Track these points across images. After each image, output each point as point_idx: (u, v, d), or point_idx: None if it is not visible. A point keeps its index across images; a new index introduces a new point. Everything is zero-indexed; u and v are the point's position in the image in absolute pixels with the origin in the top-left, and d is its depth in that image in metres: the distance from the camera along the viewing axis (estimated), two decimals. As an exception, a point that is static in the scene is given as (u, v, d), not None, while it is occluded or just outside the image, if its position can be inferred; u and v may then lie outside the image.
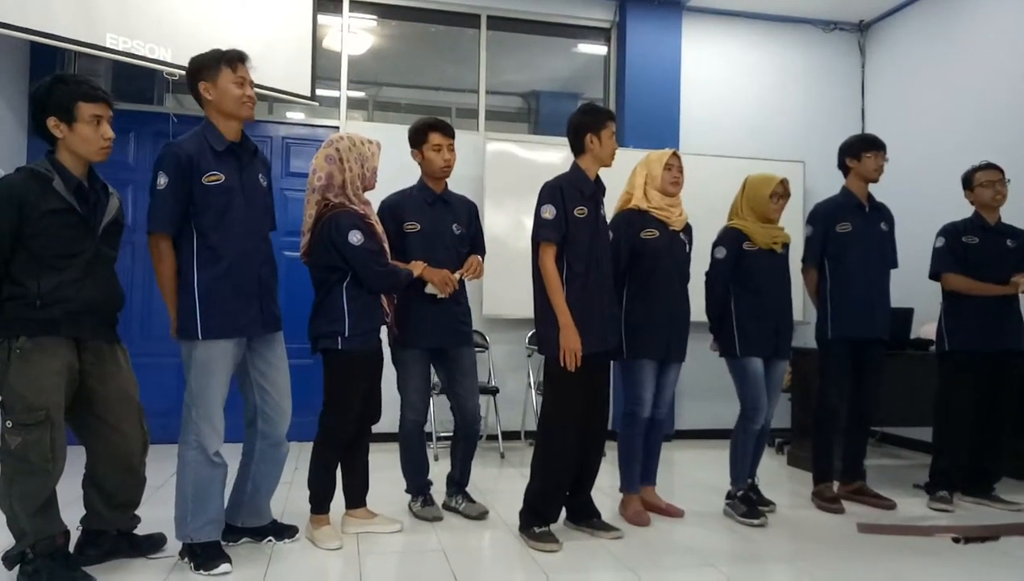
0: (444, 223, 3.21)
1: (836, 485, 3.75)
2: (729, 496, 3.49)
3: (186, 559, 2.61)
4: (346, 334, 2.79)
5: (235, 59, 2.60)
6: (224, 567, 2.55)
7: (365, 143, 2.89)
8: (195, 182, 2.52)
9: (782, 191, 3.48)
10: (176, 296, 2.56)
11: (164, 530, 2.77)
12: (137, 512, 2.72)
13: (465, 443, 3.33)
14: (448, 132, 3.22)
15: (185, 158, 2.51)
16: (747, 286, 3.47)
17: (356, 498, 3.05)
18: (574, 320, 2.90)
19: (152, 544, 2.74)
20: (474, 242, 3.36)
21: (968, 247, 3.79)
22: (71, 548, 2.53)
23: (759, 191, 3.48)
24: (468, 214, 3.34)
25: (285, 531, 2.91)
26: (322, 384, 5.03)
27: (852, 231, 3.66)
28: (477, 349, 3.74)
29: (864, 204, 3.72)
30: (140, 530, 2.74)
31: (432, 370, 3.34)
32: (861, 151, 3.70)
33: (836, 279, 3.70)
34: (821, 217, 3.75)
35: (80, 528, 2.62)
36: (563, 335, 2.89)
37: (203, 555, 2.57)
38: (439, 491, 3.43)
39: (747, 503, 3.41)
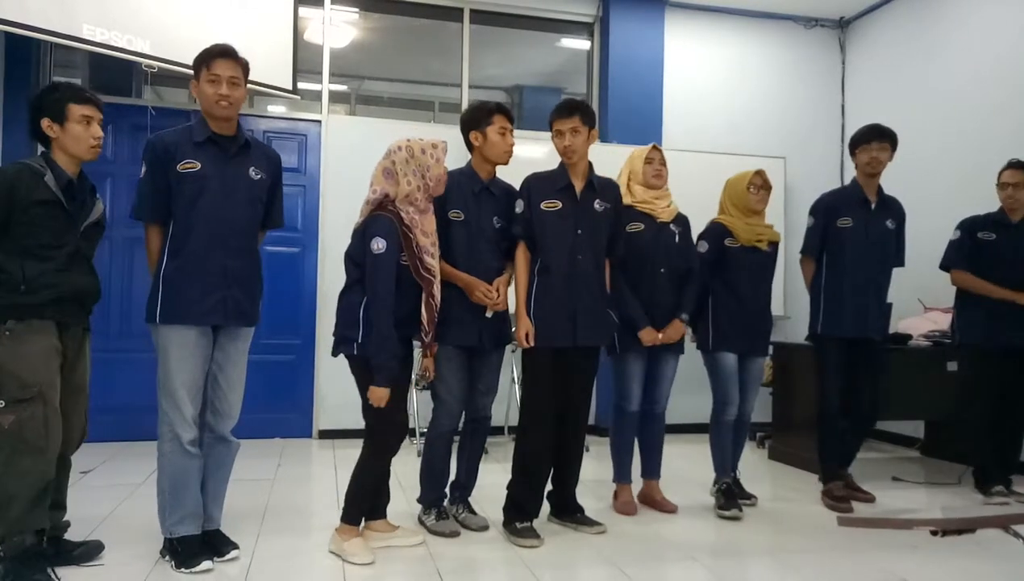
0: (487, 216, 3.07)
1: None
2: (715, 489, 3.53)
3: (167, 557, 2.57)
4: (359, 340, 2.69)
5: (209, 56, 2.59)
6: (205, 564, 2.53)
7: (427, 151, 2.75)
8: (171, 170, 2.56)
9: (760, 182, 3.50)
10: None
11: (139, 527, 2.73)
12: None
13: (473, 439, 3.19)
14: (511, 118, 3.11)
15: (161, 148, 2.57)
16: (726, 282, 3.49)
17: (376, 510, 2.90)
18: (539, 312, 2.97)
19: (86, 552, 2.62)
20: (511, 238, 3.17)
21: (983, 244, 3.79)
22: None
23: (737, 187, 3.53)
24: (510, 206, 3.14)
25: (225, 545, 2.70)
26: (302, 381, 5.06)
27: (852, 226, 3.63)
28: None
29: (869, 199, 3.67)
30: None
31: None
32: (854, 146, 3.70)
33: (831, 274, 3.68)
34: (822, 209, 3.73)
35: None
36: (516, 320, 3.00)
37: (183, 552, 2.54)
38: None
39: (726, 495, 3.44)
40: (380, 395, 2.65)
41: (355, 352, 2.69)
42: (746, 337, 3.50)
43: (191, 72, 2.68)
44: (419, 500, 3.16)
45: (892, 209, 3.73)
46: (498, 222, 3.10)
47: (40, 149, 2.63)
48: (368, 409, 2.74)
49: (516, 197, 3.16)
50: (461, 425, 3.21)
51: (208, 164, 2.58)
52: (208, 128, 2.61)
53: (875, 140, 3.64)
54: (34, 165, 2.49)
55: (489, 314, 3.03)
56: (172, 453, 2.55)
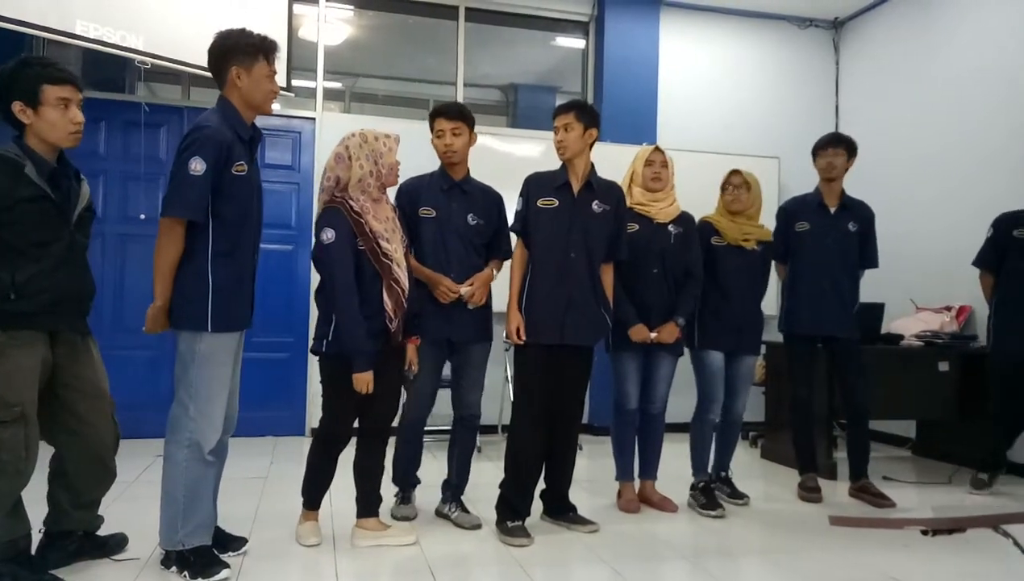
0: (459, 212, 3.11)
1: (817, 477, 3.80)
2: (692, 487, 3.54)
3: (174, 568, 2.45)
4: (330, 338, 2.70)
5: (272, 51, 2.51)
6: (224, 572, 2.45)
7: (380, 138, 2.76)
8: (226, 170, 2.40)
9: (738, 181, 3.51)
10: (172, 282, 2.40)
11: (131, 529, 2.71)
12: (102, 511, 2.64)
13: (461, 437, 3.23)
14: (451, 115, 3.11)
15: (225, 146, 2.39)
16: (712, 280, 3.49)
17: (367, 508, 2.89)
18: (529, 307, 3.00)
19: (116, 544, 2.64)
20: (495, 237, 3.21)
21: (1015, 241, 3.85)
22: (32, 551, 2.44)
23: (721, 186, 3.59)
24: (488, 205, 3.18)
25: (230, 542, 2.70)
26: (295, 379, 5.06)
27: (809, 230, 3.74)
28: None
29: (826, 204, 3.75)
30: (113, 530, 2.66)
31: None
32: (815, 152, 3.80)
33: (792, 275, 3.83)
34: (782, 215, 3.87)
35: (42, 530, 2.51)
36: (507, 315, 3.03)
37: (198, 562, 2.44)
38: (427, 494, 3.36)
39: (707, 494, 3.46)
40: (364, 379, 2.65)
41: (323, 350, 2.72)
42: (733, 336, 3.52)
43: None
44: (392, 480, 3.22)
45: (856, 212, 3.78)
46: (473, 219, 3.13)
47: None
48: (325, 404, 2.80)
49: (493, 196, 3.23)
50: (451, 424, 3.24)
51: (249, 165, 2.50)
52: (247, 126, 2.52)
53: (830, 146, 3.75)
54: (10, 156, 2.26)
55: (471, 306, 3.07)
56: (190, 461, 2.44)
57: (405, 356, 2.89)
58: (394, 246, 2.74)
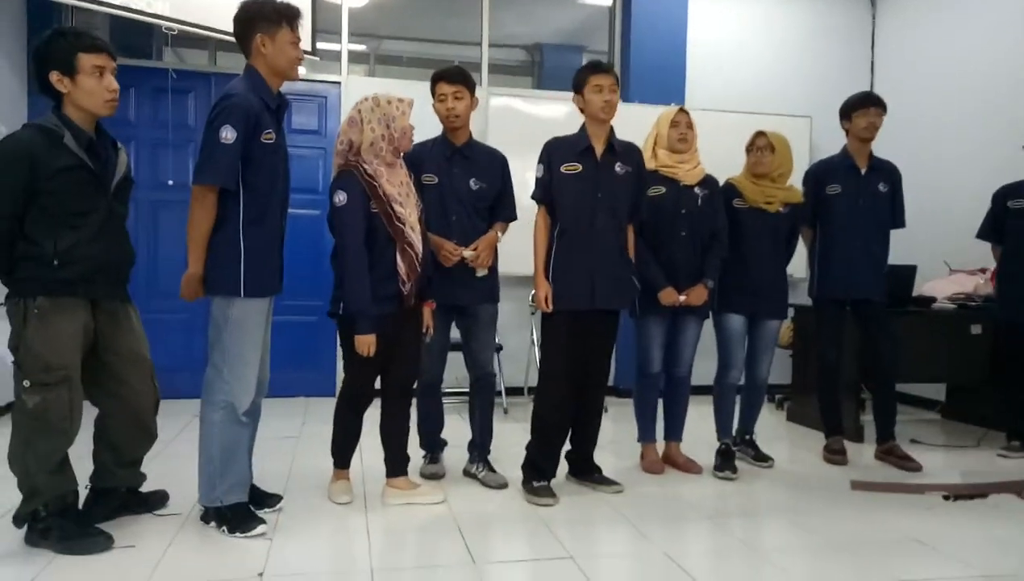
0: (461, 177, 3.12)
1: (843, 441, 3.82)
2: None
3: (213, 523, 2.57)
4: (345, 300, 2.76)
5: (295, 18, 2.55)
6: (260, 528, 2.55)
7: (393, 102, 2.75)
8: (254, 139, 2.45)
9: (763, 143, 3.45)
10: (206, 250, 2.47)
11: (171, 486, 2.81)
12: (144, 469, 2.75)
13: (480, 397, 3.28)
14: (453, 79, 3.11)
15: (253, 115, 2.43)
16: (733, 243, 3.44)
17: (395, 467, 2.97)
18: (558, 275, 3.01)
19: (158, 500, 2.77)
20: (498, 200, 3.21)
21: (1010, 212, 3.91)
22: (79, 506, 2.54)
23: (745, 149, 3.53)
24: (491, 168, 3.19)
25: (266, 499, 2.81)
26: (324, 341, 5.14)
27: (841, 193, 3.68)
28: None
29: (858, 166, 3.69)
30: (145, 486, 2.77)
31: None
32: (851, 111, 3.70)
33: (823, 240, 3.76)
34: (811, 179, 3.79)
35: (88, 486, 2.63)
36: (535, 283, 3.03)
37: (235, 518, 2.55)
38: (455, 454, 3.43)
39: (723, 456, 3.49)
40: (366, 342, 2.70)
41: (340, 312, 2.78)
42: (753, 299, 3.49)
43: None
44: (420, 445, 3.32)
45: (885, 172, 3.73)
46: (476, 184, 3.14)
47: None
48: (345, 365, 2.87)
49: (497, 158, 3.23)
50: (468, 387, 3.32)
51: (277, 133, 2.54)
52: (273, 93, 2.56)
53: (873, 106, 3.66)
54: (49, 126, 2.32)
55: (480, 274, 3.11)
56: (224, 422, 2.54)
57: (422, 319, 2.93)
58: (408, 210, 2.76)
